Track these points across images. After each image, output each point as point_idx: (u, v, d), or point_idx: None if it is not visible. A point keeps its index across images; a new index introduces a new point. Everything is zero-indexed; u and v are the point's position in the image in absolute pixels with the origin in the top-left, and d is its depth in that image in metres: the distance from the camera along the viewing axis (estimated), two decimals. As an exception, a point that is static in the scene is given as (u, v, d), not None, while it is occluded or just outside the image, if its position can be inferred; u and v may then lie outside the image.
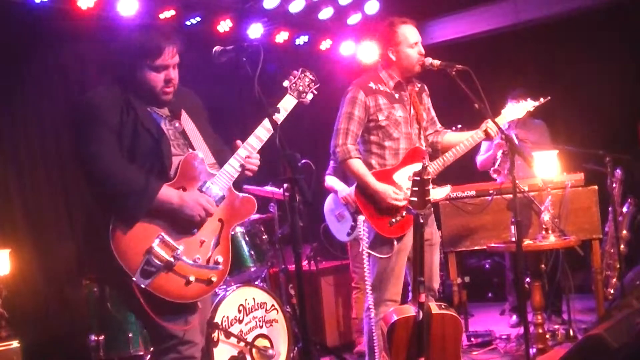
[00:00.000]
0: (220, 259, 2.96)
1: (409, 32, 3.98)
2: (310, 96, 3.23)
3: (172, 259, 2.81)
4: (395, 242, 3.89)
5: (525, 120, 5.94)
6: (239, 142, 3.05)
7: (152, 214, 2.80)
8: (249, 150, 3.03)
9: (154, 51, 2.88)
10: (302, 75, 3.23)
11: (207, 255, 2.92)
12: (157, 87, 2.93)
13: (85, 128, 2.85)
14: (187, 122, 3.04)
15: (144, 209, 2.78)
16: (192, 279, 2.86)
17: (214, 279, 2.93)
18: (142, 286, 2.75)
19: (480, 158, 5.92)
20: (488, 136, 4.02)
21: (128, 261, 2.75)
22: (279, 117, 3.10)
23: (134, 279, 2.74)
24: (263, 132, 3.03)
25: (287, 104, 3.15)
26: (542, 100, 4.46)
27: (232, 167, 3.00)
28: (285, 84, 3.20)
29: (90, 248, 3.04)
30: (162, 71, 2.92)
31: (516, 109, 4.26)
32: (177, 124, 3.01)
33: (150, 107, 2.97)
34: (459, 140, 4.05)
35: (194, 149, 2.98)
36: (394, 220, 3.82)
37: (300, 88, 3.20)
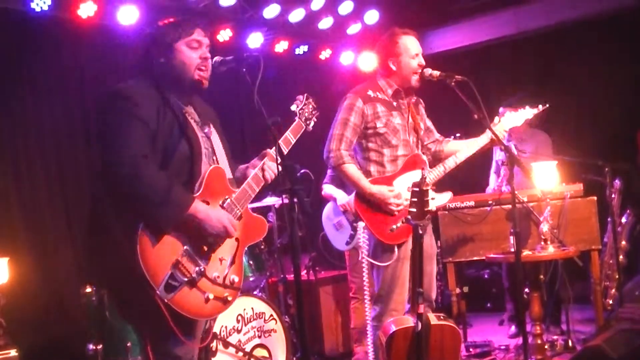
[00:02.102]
0: (236, 279, 2.89)
1: (410, 43, 3.98)
2: (312, 123, 3.30)
3: (195, 275, 2.71)
4: (396, 249, 3.86)
5: (523, 130, 5.96)
6: (268, 150, 3.04)
7: (178, 226, 2.68)
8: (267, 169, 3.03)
9: (188, 26, 2.86)
10: (307, 101, 3.29)
11: (224, 274, 2.84)
12: (192, 67, 2.84)
13: (117, 122, 2.66)
14: (213, 133, 3.00)
15: (175, 222, 2.65)
16: (210, 296, 2.77)
17: (229, 298, 2.85)
18: (165, 300, 2.61)
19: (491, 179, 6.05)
20: (492, 142, 4.03)
21: (153, 273, 2.59)
22: (290, 139, 3.17)
23: (157, 292, 2.59)
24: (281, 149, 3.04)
25: (296, 129, 3.22)
26: (540, 107, 4.31)
27: (252, 185, 2.97)
28: (294, 108, 3.23)
29: (99, 257, 2.77)
30: (197, 49, 2.88)
31: (515, 117, 4.21)
32: (207, 129, 2.95)
33: (184, 109, 2.87)
34: (461, 147, 4.07)
35: (217, 160, 2.93)
36: (394, 226, 3.76)
37: (307, 114, 3.26)
